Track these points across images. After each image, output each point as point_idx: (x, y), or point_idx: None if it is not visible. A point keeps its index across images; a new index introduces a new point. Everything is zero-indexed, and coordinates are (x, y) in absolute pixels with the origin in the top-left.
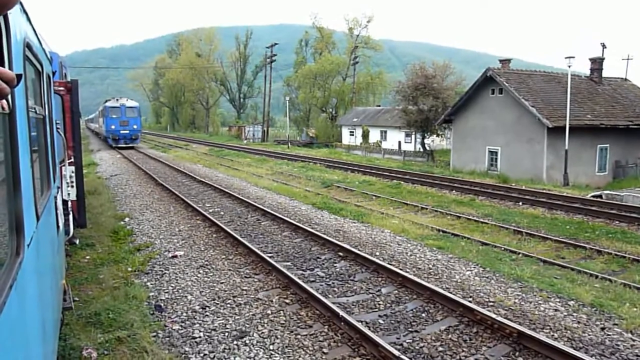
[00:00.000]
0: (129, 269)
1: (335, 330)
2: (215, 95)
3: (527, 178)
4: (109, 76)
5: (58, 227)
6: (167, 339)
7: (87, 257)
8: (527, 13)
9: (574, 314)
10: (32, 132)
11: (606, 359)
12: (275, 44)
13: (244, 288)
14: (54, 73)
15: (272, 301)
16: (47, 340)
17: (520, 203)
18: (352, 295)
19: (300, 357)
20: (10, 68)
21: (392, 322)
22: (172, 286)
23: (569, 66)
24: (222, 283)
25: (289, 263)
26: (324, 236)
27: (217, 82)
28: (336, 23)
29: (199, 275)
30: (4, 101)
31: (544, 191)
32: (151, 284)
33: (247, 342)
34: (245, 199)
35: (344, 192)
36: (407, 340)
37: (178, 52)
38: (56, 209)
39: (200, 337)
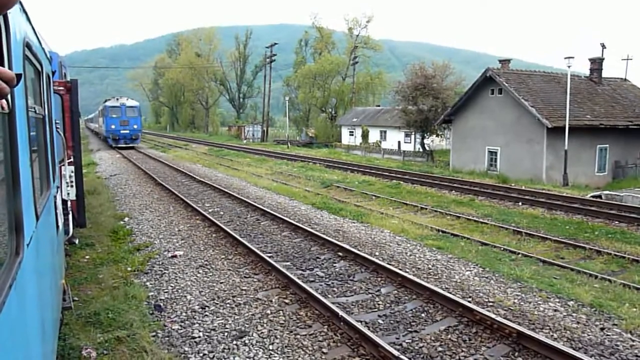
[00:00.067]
0: (129, 269)
1: (334, 330)
2: (215, 95)
3: (526, 178)
4: (109, 76)
5: (57, 226)
6: (167, 338)
7: (87, 256)
8: (527, 13)
9: (574, 314)
10: (32, 131)
11: (605, 359)
12: (275, 43)
13: (244, 288)
14: (53, 73)
15: (271, 301)
16: (46, 340)
17: (520, 203)
18: (352, 295)
19: (299, 357)
20: (10, 68)
21: (392, 322)
22: (171, 286)
23: (569, 66)
24: (221, 283)
25: (288, 263)
26: (324, 236)
27: (217, 82)
28: (336, 23)
29: (198, 275)
30: (4, 101)
31: (544, 191)
32: (150, 284)
33: (247, 342)
34: (245, 199)
35: (344, 192)
36: (407, 341)
37: (178, 52)
38: (56, 208)
39: (199, 337)
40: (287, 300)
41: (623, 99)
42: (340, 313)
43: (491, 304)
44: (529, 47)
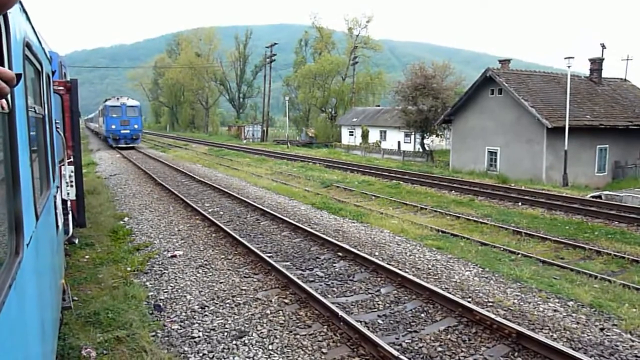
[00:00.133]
0: (128, 269)
1: (334, 330)
2: (215, 95)
3: (526, 178)
4: (109, 76)
5: (57, 226)
6: (166, 338)
7: (87, 256)
8: (527, 13)
9: (573, 315)
10: (32, 131)
11: None
12: (275, 43)
13: (243, 288)
14: (53, 72)
15: (271, 301)
16: (46, 340)
17: (520, 203)
18: (352, 295)
19: (299, 357)
20: (10, 67)
21: (391, 322)
22: (171, 286)
23: (569, 66)
24: (221, 283)
25: (288, 263)
26: (323, 236)
27: (217, 81)
28: (336, 23)
29: (198, 275)
30: (4, 101)
31: (543, 191)
32: (150, 284)
33: (246, 342)
34: (245, 199)
35: (343, 192)
36: (406, 341)
37: (178, 52)
38: (55, 208)
39: (199, 336)
40: (286, 300)
41: (623, 99)
42: (340, 313)
43: (491, 304)
44: (529, 47)
